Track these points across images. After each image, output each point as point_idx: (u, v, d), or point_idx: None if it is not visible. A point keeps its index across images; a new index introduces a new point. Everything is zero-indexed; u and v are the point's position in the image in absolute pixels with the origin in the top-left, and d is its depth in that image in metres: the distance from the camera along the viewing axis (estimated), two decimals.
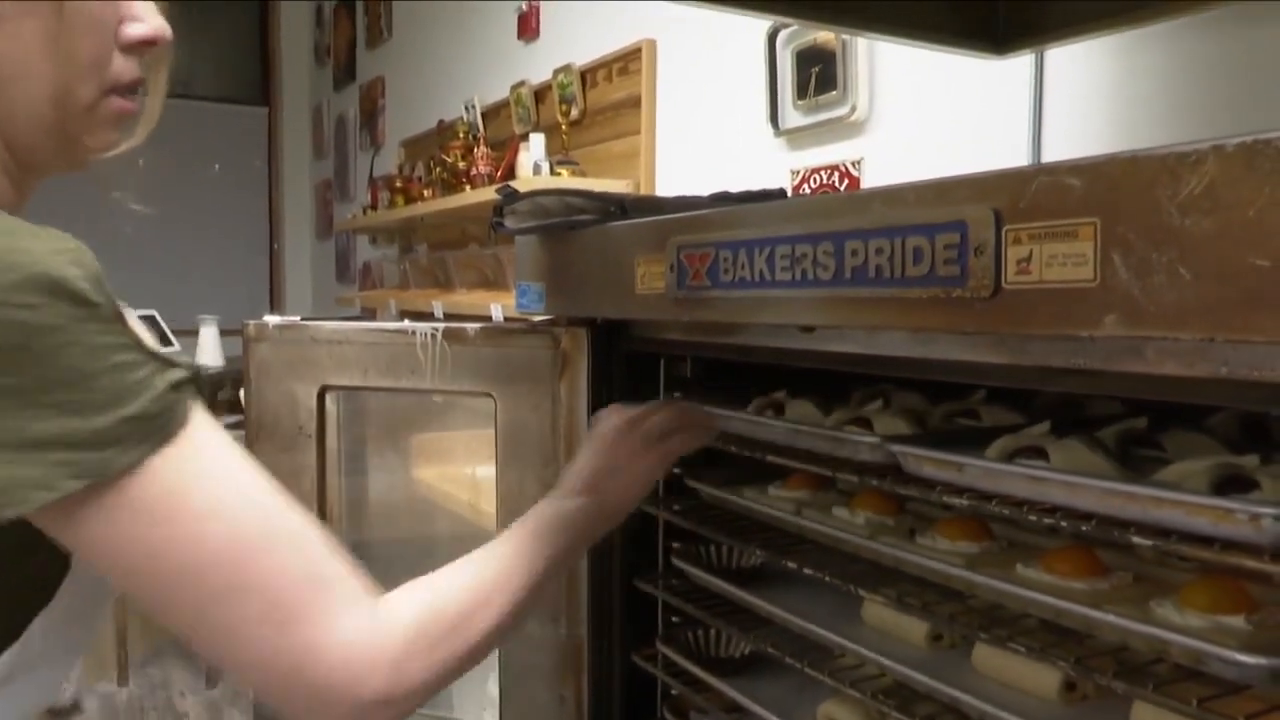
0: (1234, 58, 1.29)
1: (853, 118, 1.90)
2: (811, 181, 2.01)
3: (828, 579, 0.89)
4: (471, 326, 1.10)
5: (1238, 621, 0.62)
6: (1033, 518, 0.70)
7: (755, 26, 2.09)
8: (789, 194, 1.89)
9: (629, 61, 2.65)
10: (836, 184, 1.95)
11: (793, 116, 2.05)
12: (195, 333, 4.48)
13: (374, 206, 4.02)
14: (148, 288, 5.19)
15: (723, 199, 1.06)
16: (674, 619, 1.14)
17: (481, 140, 3.28)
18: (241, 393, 1.24)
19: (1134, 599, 0.69)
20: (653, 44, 2.57)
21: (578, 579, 1.08)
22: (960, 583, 0.78)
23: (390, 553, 1.44)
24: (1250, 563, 0.57)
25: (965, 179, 0.62)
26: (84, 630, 0.78)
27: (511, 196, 1.07)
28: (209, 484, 0.63)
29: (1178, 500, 0.59)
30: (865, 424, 0.90)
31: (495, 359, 1.09)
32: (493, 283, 3.16)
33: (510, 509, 1.08)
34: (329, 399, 1.16)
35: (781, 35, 2.05)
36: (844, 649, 0.87)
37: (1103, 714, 0.74)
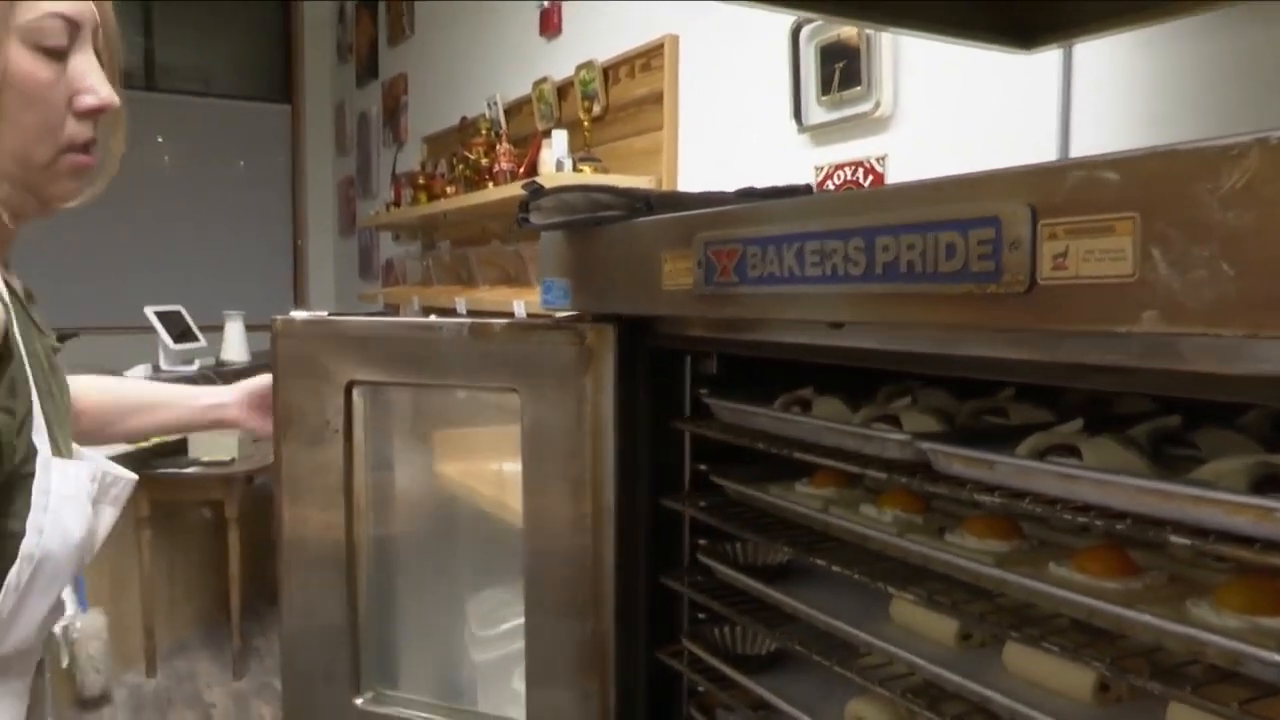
0: (1262, 52, 1.28)
1: (877, 114, 1.89)
2: (835, 178, 2.01)
3: (856, 576, 0.88)
4: (497, 322, 1.10)
5: (1276, 623, 0.61)
6: (1066, 516, 0.69)
7: (778, 22, 2.08)
8: (814, 190, 1.88)
9: (651, 57, 2.64)
10: (861, 180, 1.94)
11: (816, 112, 2.04)
12: (221, 328, 4.52)
13: (396, 203, 4.03)
14: (173, 284, 5.26)
15: (748, 195, 1.05)
16: (700, 615, 1.14)
17: (504, 137, 3.28)
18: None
19: (1168, 599, 0.68)
20: (675, 40, 2.56)
21: (604, 575, 1.08)
22: (990, 581, 0.77)
23: (416, 547, 1.44)
24: None
25: (999, 173, 0.61)
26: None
27: (538, 192, 1.07)
28: None
29: (1217, 499, 0.58)
30: (893, 421, 0.89)
31: (521, 355, 1.09)
32: (514, 279, 3.17)
33: (535, 505, 1.08)
34: (356, 394, 1.17)
35: (805, 31, 2.04)
36: (872, 647, 0.87)
37: (1136, 715, 0.74)
